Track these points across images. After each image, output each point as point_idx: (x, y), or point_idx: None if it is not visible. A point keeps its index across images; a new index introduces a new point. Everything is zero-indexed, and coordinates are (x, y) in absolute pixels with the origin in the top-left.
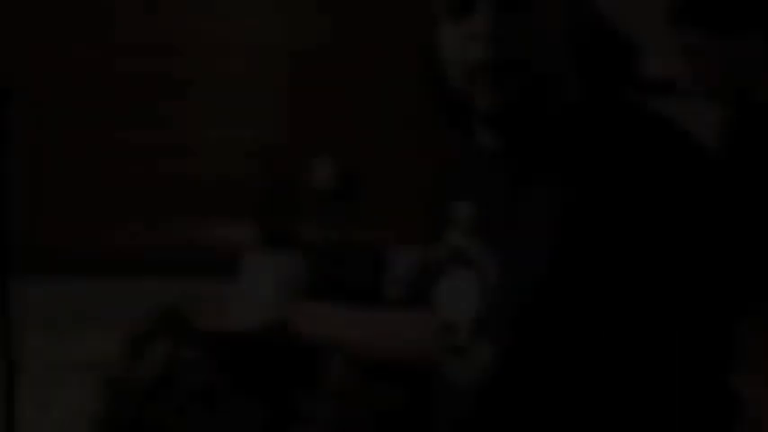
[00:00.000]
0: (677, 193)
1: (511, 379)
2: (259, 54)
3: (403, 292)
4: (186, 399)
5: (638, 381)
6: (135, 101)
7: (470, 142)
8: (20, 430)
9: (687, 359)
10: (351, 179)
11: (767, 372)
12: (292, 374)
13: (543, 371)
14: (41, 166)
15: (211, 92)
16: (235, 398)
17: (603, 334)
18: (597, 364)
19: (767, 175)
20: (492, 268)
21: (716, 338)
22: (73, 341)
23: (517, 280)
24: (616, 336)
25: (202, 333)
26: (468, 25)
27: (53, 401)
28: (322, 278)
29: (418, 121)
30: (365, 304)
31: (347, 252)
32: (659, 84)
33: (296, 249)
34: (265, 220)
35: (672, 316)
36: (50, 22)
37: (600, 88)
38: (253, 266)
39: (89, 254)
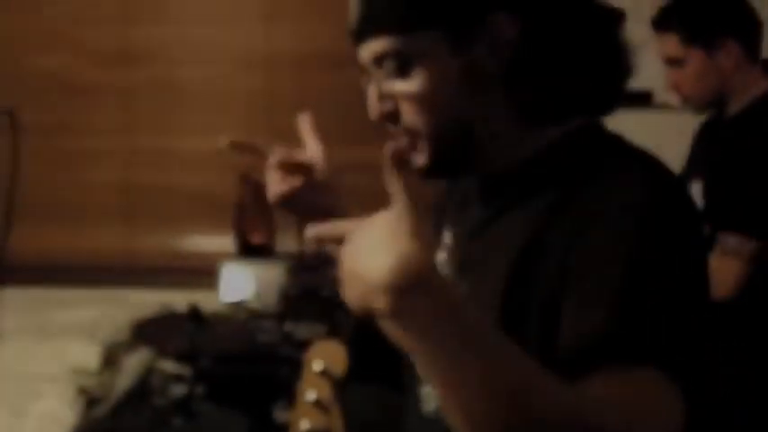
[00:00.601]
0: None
1: None
2: (236, 63)
3: None
4: (165, 409)
5: None
6: (109, 109)
7: None
8: None
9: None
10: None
11: None
12: (270, 386)
13: None
14: (16, 174)
15: (188, 101)
16: (213, 408)
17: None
18: None
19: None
20: None
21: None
22: (49, 350)
23: None
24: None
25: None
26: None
27: (29, 411)
28: (299, 288)
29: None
30: (342, 314)
31: (324, 263)
32: (636, 96)
33: (273, 260)
34: (242, 230)
35: None
36: (21, 31)
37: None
38: (231, 277)
39: (65, 263)
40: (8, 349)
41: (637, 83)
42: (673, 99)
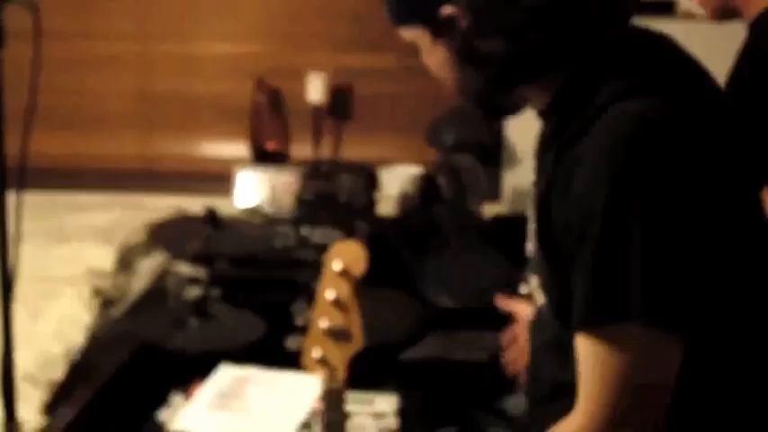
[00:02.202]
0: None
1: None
2: None
3: (395, 209)
4: (180, 311)
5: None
6: (126, 15)
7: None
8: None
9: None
10: (343, 96)
11: None
12: (287, 288)
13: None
14: (21, 77)
15: (204, 8)
16: (230, 310)
17: None
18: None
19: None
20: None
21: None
22: (66, 253)
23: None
24: None
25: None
26: None
27: (46, 312)
28: (315, 195)
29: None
30: (358, 220)
31: (340, 169)
32: (659, 5)
33: (288, 166)
34: (257, 137)
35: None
36: None
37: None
38: (245, 182)
39: (82, 168)
40: (26, 252)
41: None
42: (695, 8)
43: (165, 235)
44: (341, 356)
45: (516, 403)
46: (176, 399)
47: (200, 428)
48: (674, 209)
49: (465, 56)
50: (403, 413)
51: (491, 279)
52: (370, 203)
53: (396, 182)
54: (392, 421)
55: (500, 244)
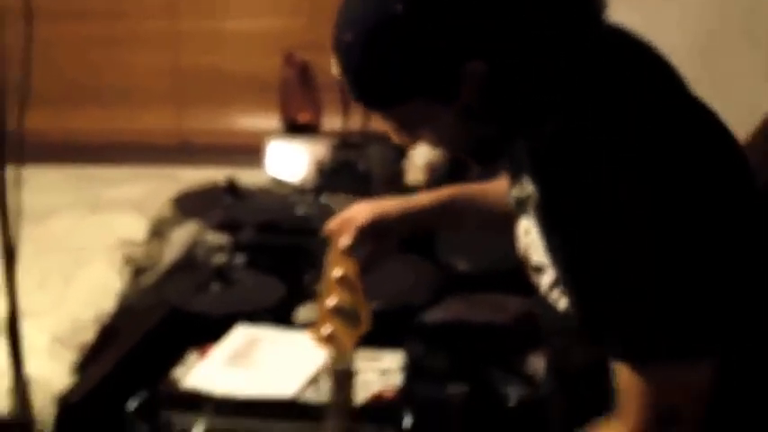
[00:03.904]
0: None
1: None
2: None
3: (424, 178)
4: (206, 276)
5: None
6: None
7: None
8: (45, 304)
9: None
10: None
11: None
12: (303, 255)
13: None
14: (59, 56)
15: None
16: (251, 275)
17: None
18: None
19: None
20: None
21: None
22: (99, 224)
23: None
24: None
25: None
26: None
27: (78, 279)
28: (344, 166)
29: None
30: (387, 190)
31: (369, 139)
32: None
33: (319, 137)
34: (288, 109)
35: None
36: None
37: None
38: (276, 154)
39: (116, 142)
40: (61, 223)
41: None
42: None
43: (191, 204)
44: (349, 337)
45: (536, 365)
46: (191, 358)
47: (211, 384)
48: (689, 243)
49: (487, 109)
50: (409, 370)
51: (510, 244)
52: (399, 173)
53: (424, 152)
54: (397, 377)
55: None
